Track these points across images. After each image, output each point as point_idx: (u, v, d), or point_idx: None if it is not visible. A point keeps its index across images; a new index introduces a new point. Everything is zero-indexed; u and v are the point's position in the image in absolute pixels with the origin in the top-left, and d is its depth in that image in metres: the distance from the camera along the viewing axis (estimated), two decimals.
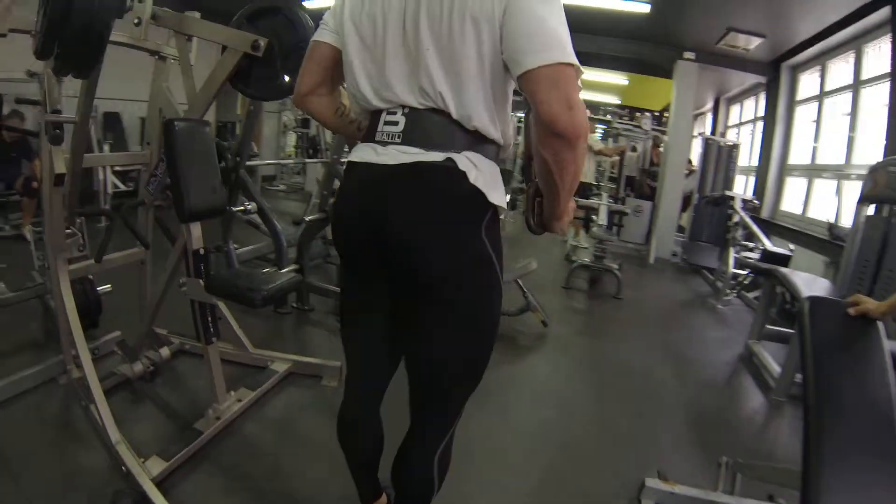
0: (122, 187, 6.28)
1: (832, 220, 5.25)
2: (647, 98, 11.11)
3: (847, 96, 5.73)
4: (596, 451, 2.61)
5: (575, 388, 3.17)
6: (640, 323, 4.74)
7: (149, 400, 2.61)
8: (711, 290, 6.16)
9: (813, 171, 6.25)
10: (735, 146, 7.50)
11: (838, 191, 5.41)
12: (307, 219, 3.95)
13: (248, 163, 4.17)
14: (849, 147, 5.47)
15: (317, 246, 5.29)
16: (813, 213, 6.11)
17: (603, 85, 10.48)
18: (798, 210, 6.44)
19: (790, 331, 3.95)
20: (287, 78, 2.16)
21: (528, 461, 2.48)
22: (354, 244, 1.35)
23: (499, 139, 1.26)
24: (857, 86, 5.48)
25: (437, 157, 1.19)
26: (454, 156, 1.18)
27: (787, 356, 3.34)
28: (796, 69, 6.96)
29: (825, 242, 5.18)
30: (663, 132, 8.24)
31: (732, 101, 10.00)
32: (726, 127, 10.05)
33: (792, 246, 5.18)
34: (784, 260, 4.77)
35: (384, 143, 1.25)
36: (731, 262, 5.46)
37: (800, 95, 6.97)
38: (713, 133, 9.90)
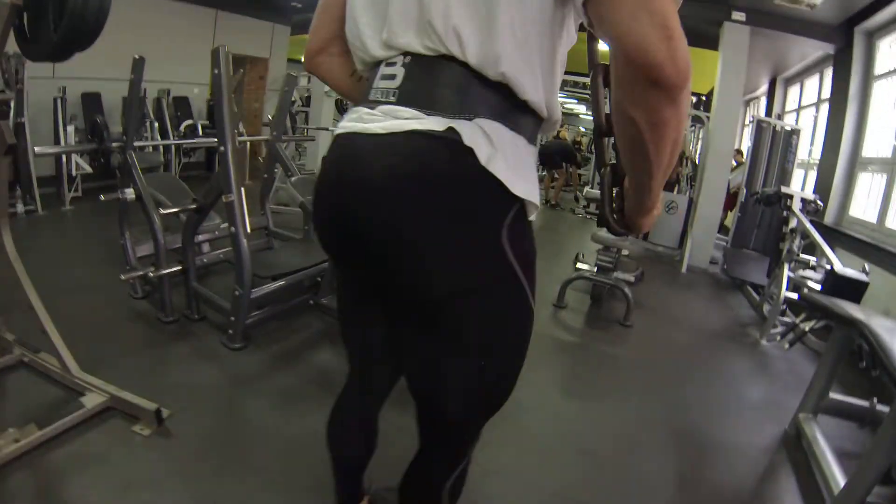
0: (88, 169, 5.88)
1: None
2: (692, 78, 9.75)
3: None
4: None
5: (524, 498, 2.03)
6: (647, 368, 3.45)
7: None
8: (755, 314, 4.84)
9: None
10: (795, 132, 6.12)
11: None
12: (162, 211, 3.02)
13: (137, 143, 3.37)
14: None
15: None
16: (894, 223, 4.70)
17: None
18: (872, 217, 5.02)
19: (864, 404, 2.66)
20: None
21: None
22: (332, 243, 1.09)
23: (539, 103, 0.90)
24: None
25: (434, 124, 0.85)
26: (460, 124, 0.84)
27: (863, 459, 2.08)
28: (874, 34, 5.51)
29: None
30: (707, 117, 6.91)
31: (791, 81, 8.52)
32: (783, 111, 8.58)
33: (866, 265, 3.84)
34: (857, 288, 3.44)
35: (375, 103, 0.95)
36: (785, 282, 4.12)
37: (879, 68, 5.50)
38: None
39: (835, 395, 2.70)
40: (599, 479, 2.25)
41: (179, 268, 3.13)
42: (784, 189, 4.91)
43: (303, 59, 1.21)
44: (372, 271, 1.01)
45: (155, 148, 6.78)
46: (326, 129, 8.54)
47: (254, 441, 2.24)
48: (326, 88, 8.63)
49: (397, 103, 0.92)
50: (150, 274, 3.04)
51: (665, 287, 5.38)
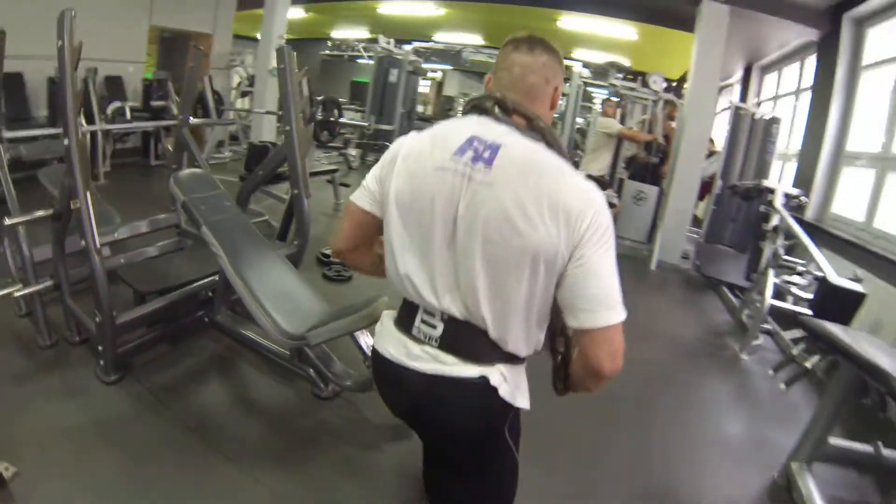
0: None
1: None
2: (663, 62, 9.36)
3: None
4: None
5: None
6: (606, 400, 2.72)
7: None
8: (732, 320, 4.41)
9: (888, 163, 4.41)
10: (775, 120, 5.70)
11: None
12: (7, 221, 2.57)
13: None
14: None
15: None
16: (883, 224, 4.29)
17: (606, 40, 8.62)
18: (858, 215, 4.63)
19: (867, 449, 2.20)
20: None
21: None
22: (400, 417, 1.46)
23: (529, 354, 1.31)
24: None
25: (471, 372, 1.23)
26: (487, 371, 1.23)
27: None
28: (864, 22, 5.12)
29: None
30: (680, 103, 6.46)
31: (768, 69, 8.16)
32: (758, 101, 8.19)
33: (858, 270, 3.42)
34: (854, 301, 3.03)
35: (419, 342, 1.29)
36: (770, 290, 3.68)
37: (868, 58, 5.10)
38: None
39: (834, 440, 2.25)
40: None
41: (51, 283, 2.68)
42: (765, 182, 4.48)
43: (332, 252, 1.58)
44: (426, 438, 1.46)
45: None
46: (267, 113, 7.98)
47: None
48: (271, 67, 7.99)
49: (440, 348, 1.25)
50: (16, 293, 2.59)
51: (632, 288, 4.77)
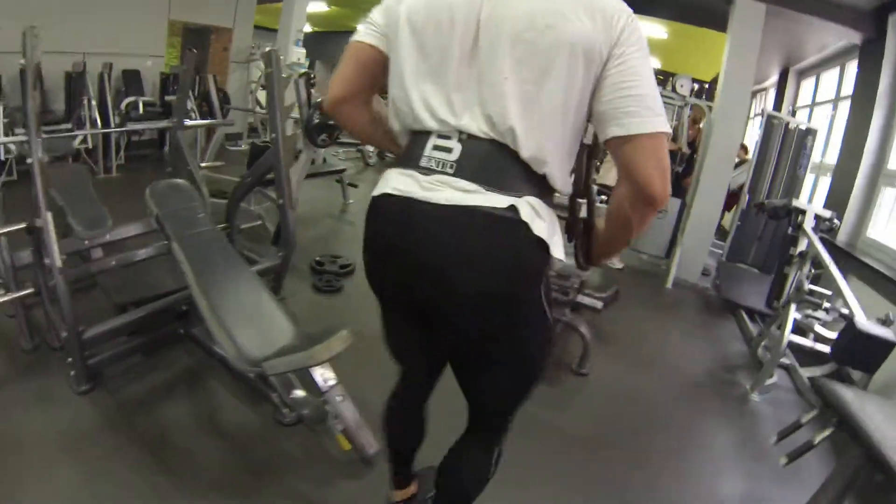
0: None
1: None
2: (694, 63, 8.98)
3: None
4: None
5: None
6: (595, 448, 2.57)
7: None
8: (748, 351, 4.06)
9: None
10: (810, 132, 5.29)
11: None
12: None
13: None
14: None
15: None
16: None
17: None
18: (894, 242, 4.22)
19: None
20: None
21: None
22: (393, 292, 1.32)
23: (563, 189, 1.23)
24: None
25: (496, 201, 1.09)
26: (517, 202, 1.10)
27: None
28: None
29: None
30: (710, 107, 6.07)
31: (805, 73, 7.68)
32: (794, 108, 7.73)
33: (892, 311, 3.07)
34: (881, 348, 2.69)
35: (430, 171, 1.15)
36: (790, 327, 3.32)
37: None
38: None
39: None
40: None
41: (32, 290, 2.67)
42: (795, 203, 4.11)
43: (325, 102, 1.33)
44: (434, 311, 1.25)
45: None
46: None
47: None
48: (289, 62, 7.81)
49: (455, 175, 1.12)
50: None
51: (643, 310, 4.56)
